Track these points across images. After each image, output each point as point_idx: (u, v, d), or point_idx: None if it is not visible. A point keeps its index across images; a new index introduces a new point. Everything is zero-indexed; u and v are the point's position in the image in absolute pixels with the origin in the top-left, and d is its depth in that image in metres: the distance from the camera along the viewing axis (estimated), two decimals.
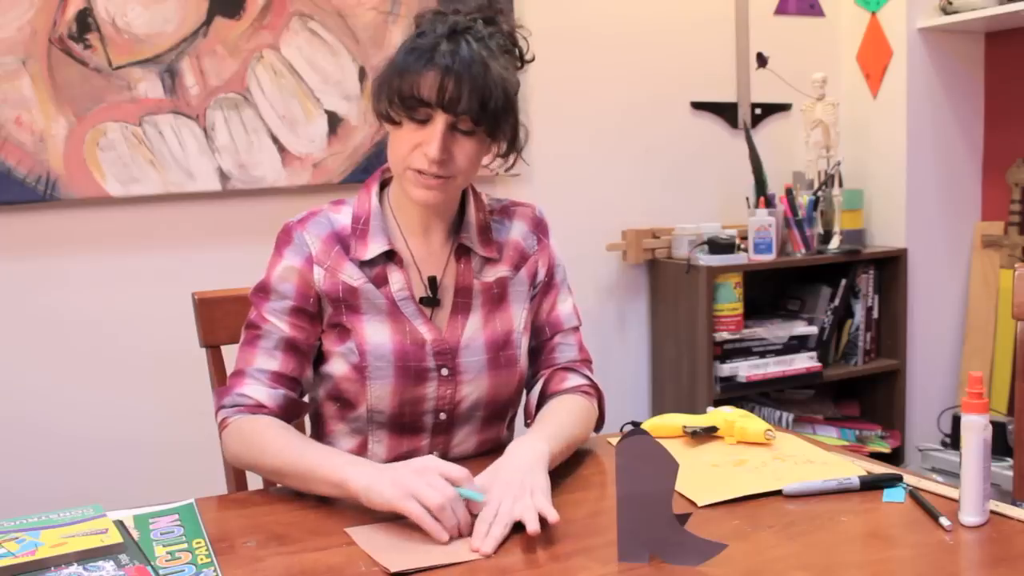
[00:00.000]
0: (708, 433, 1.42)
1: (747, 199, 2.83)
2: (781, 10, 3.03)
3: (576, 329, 1.47)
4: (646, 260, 2.85)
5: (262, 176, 2.39)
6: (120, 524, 1.10)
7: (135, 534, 1.10)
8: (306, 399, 1.40)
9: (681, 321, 2.77)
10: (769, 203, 2.78)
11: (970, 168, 3.10)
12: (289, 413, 1.33)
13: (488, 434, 1.42)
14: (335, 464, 1.17)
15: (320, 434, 1.43)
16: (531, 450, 1.21)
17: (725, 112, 2.97)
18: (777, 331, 2.82)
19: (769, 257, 2.75)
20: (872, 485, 1.21)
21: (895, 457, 2.94)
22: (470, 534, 1.08)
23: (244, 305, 1.40)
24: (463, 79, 1.22)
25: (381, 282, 1.34)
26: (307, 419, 1.46)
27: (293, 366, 1.33)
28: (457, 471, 1.12)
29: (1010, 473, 1.82)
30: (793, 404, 2.98)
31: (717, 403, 2.48)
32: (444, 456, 1.37)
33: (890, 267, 2.97)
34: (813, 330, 2.87)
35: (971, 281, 3.09)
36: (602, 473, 1.33)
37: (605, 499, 1.22)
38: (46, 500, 1.33)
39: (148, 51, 2.25)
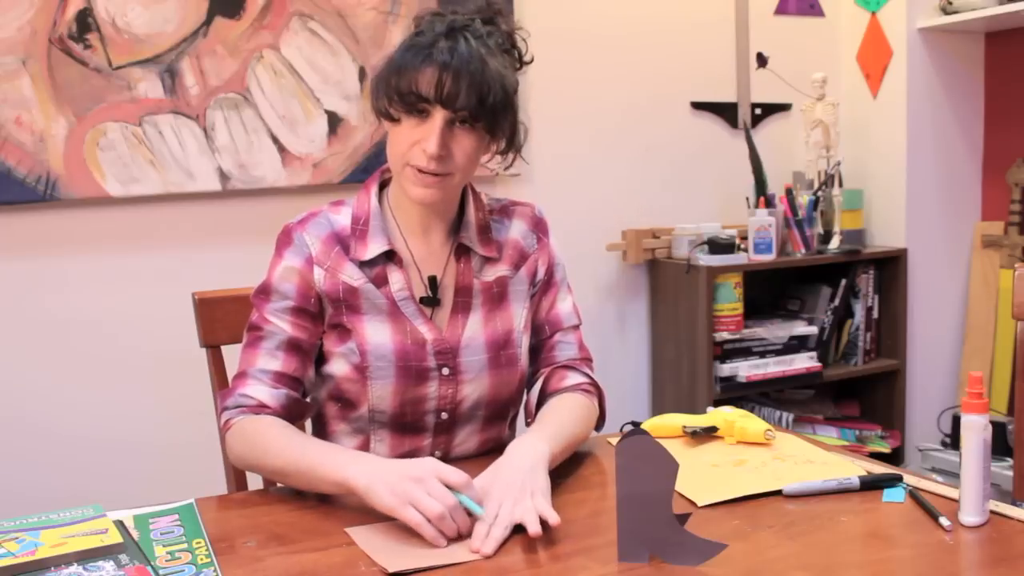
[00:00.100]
0: (708, 433, 1.42)
1: (747, 199, 2.83)
2: (781, 10, 3.03)
3: (576, 327, 1.47)
4: (646, 260, 2.85)
5: (262, 176, 2.39)
6: (120, 524, 1.10)
7: (135, 534, 1.10)
8: (309, 399, 1.40)
9: (681, 321, 2.77)
10: (769, 203, 2.78)
11: (970, 168, 3.10)
12: (292, 413, 1.33)
13: (490, 433, 1.42)
14: (337, 462, 1.16)
15: (322, 435, 1.42)
16: (531, 450, 1.20)
17: (725, 112, 2.97)
18: (777, 331, 2.82)
19: (769, 257, 2.75)
20: (872, 485, 1.21)
21: (895, 457, 2.94)
22: (470, 535, 1.08)
23: (244, 305, 1.40)
24: (461, 75, 1.22)
25: (381, 282, 1.34)
26: (309, 420, 1.46)
27: (295, 366, 1.33)
28: (457, 477, 1.10)
29: (1010, 473, 1.82)
30: (793, 404, 2.97)
31: (717, 403, 2.47)
32: (446, 456, 1.38)
33: (890, 267, 2.97)
34: (813, 330, 2.87)
35: (971, 281, 3.09)
36: (602, 473, 1.33)
37: (605, 499, 1.22)
38: (46, 500, 1.33)
39: (148, 51, 2.25)
